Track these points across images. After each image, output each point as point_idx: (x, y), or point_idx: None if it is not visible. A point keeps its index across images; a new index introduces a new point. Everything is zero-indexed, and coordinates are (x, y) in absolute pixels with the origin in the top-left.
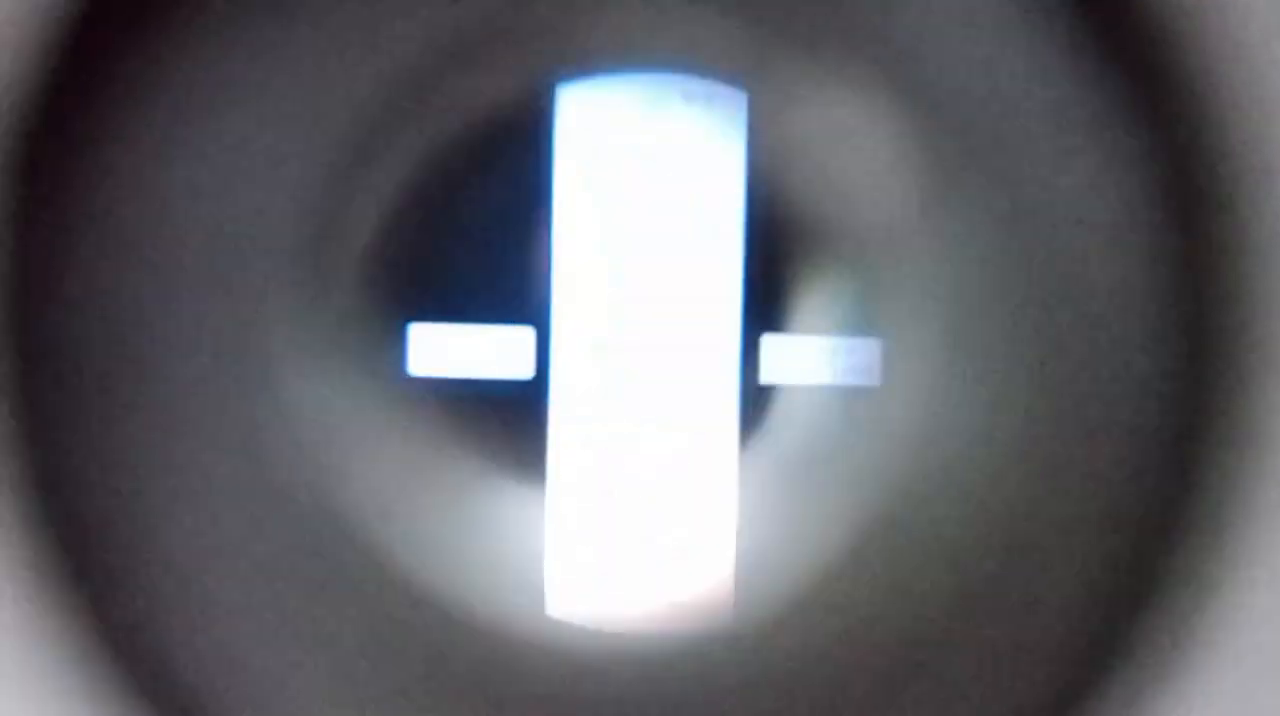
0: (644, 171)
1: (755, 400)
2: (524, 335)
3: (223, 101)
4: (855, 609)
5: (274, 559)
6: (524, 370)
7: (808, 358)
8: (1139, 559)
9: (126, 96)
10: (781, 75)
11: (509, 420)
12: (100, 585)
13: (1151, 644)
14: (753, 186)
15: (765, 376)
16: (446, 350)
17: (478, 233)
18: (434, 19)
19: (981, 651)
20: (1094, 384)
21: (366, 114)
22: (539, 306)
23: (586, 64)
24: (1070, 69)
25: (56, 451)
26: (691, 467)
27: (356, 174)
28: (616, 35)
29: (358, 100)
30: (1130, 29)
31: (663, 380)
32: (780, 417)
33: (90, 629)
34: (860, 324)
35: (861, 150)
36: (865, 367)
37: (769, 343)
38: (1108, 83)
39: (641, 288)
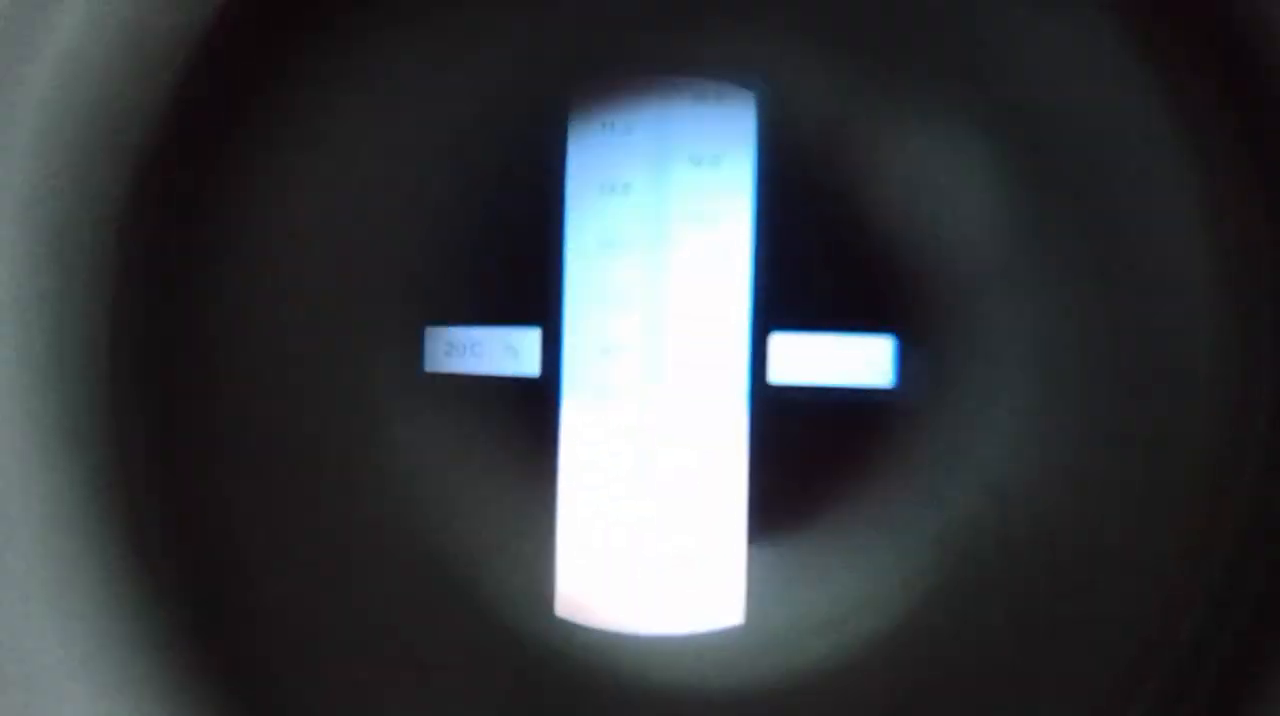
0: (653, 170)
1: (765, 399)
2: (533, 335)
3: (339, 136)
4: (865, 611)
5: (283, 552)
6: (533, 369)
7: (818, 357)
8: (1212, 590)
9: (254, 126)
10: (800, 74)
11: (519, 419)
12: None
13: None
14: (761, 185)
15: (774, 376)
16: (458, 350)
17: (490, 234)
18: (454, 27)
19: (1013, 654)
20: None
21: (389, 122)
22: (548, 306)
23: (598, 68)
24: (1159, 96)
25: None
26: (701, 469)
27: (385, 185)
28: (631, 39)
29: (382, 110)
30: (1227, 59)
31: (671, 380)
32: (790, 417)
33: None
34: (876, 321)
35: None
36: (878, 367)
37: (778, 342)
38: (1203, 115)
39: (650, 287)
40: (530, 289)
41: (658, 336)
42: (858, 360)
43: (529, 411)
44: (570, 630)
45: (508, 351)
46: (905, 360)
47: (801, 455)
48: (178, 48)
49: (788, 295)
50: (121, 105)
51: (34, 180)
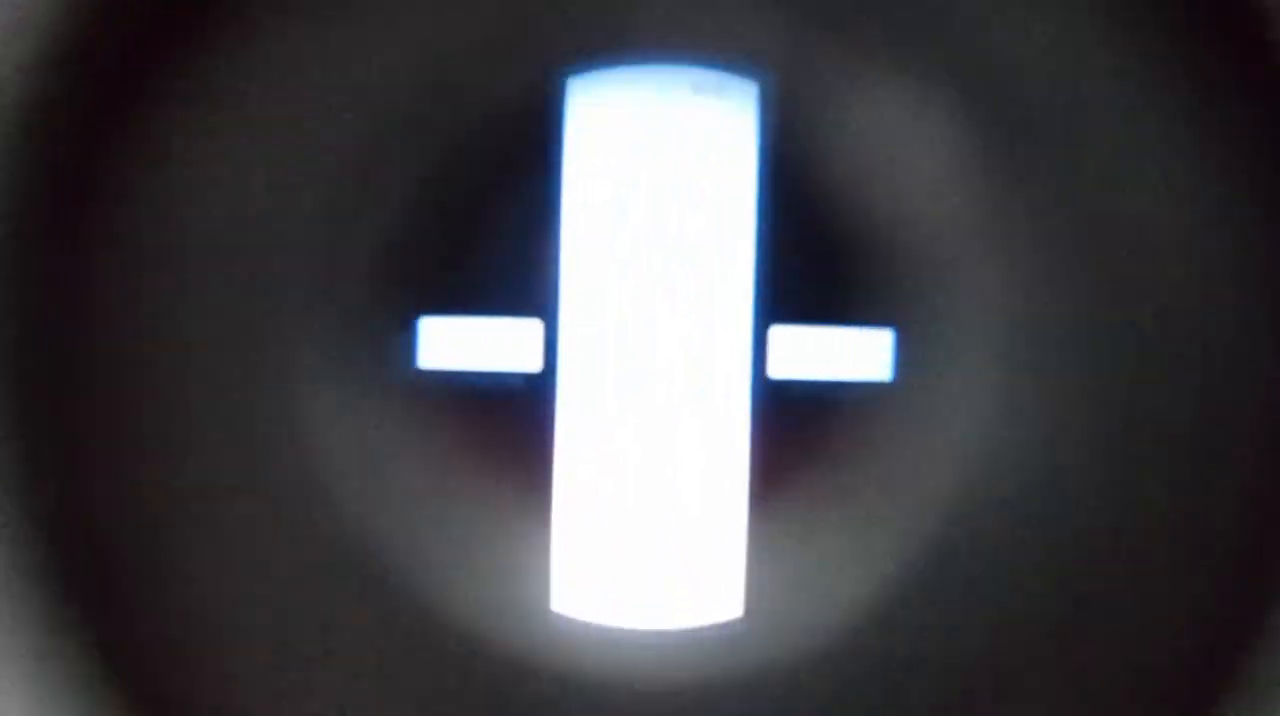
0: (654, 162)
1: (765, 392)
2: (532, 328)
3: (239, 95)
4: (866, 606)
5: (279, 553)
6: (532, 363)
7: (819, 351)
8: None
9: (140, 90)
10: (811, 60)
11: (517, 414)
12: (101, 592)
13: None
14: (764, 177)
15: (775, 370)
16: (456, 343)
17: (487, 225)
18: (448, 10)
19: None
20: (1178, 389)
21: (382, 106)
22: (547, 299)
23: (596, 54)
24: (1146, 49)
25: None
26: (701, 462)
27: (371, 167)
28: (627, 23)
29: (374, 94)
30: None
31: (672, 373)
32: (791, 410)
33: (91, 642)
34: (876, 314)
35: (903, 135)
36: (878, 362)
37: (779, 335)
38: (1188, 62)
39: (651, 280)
40: (528, 281)
41: (657, 329)
42: (858, 353)
43: (526, 405)
44: (567, 625)
45: (506, 346)
46: (906, 353)
47: (802, 448)
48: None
49: (789, 288)
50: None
51: None
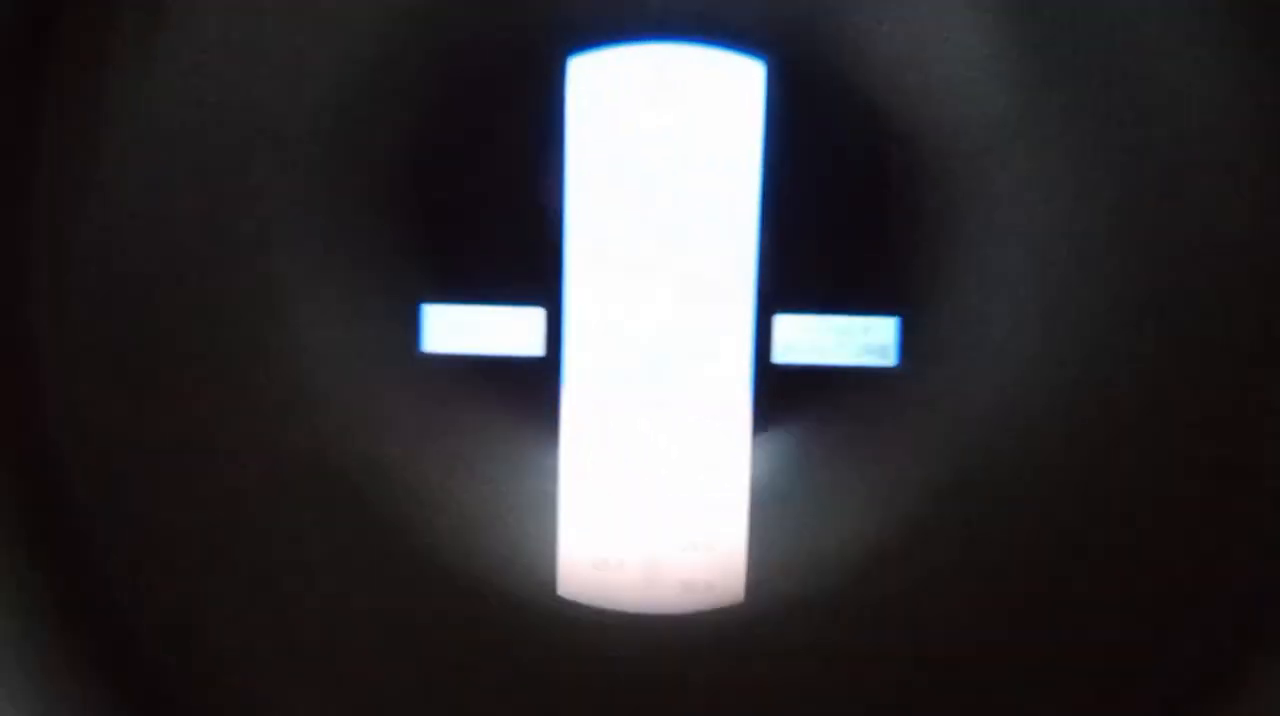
0: (657, 146)
1: (768, 379)
2: (536, 314)
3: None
4: (866, 588)
5: (285, 540)
6: (536, 349)
7: (821, 337)
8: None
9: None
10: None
11: (521, 399)
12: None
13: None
14: (769, 160)
15: (778, 356)
16: (460, 329)
17: (490, 212)
18: None
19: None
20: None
21: (387, 93)
22: (551, 285)
23: (597, 33)
24: None
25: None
26: (703, 448)
27: (372, 157)
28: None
29: (379, 81)
30: None
31: (675, 359)
32: (793, 398)
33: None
34: (880, 302)
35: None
36: (881, 347)
37: (782, 322)
38: None
39: (654, 265)
40: (532, 268)
41: (661, 316)
42: (860, 340)
43: (531, 391)
44: (572, 609)
45: (509, 331)
46: (909, 340)
47: (804, 435)
48: None
49: (793, 275)
50: None
51: None
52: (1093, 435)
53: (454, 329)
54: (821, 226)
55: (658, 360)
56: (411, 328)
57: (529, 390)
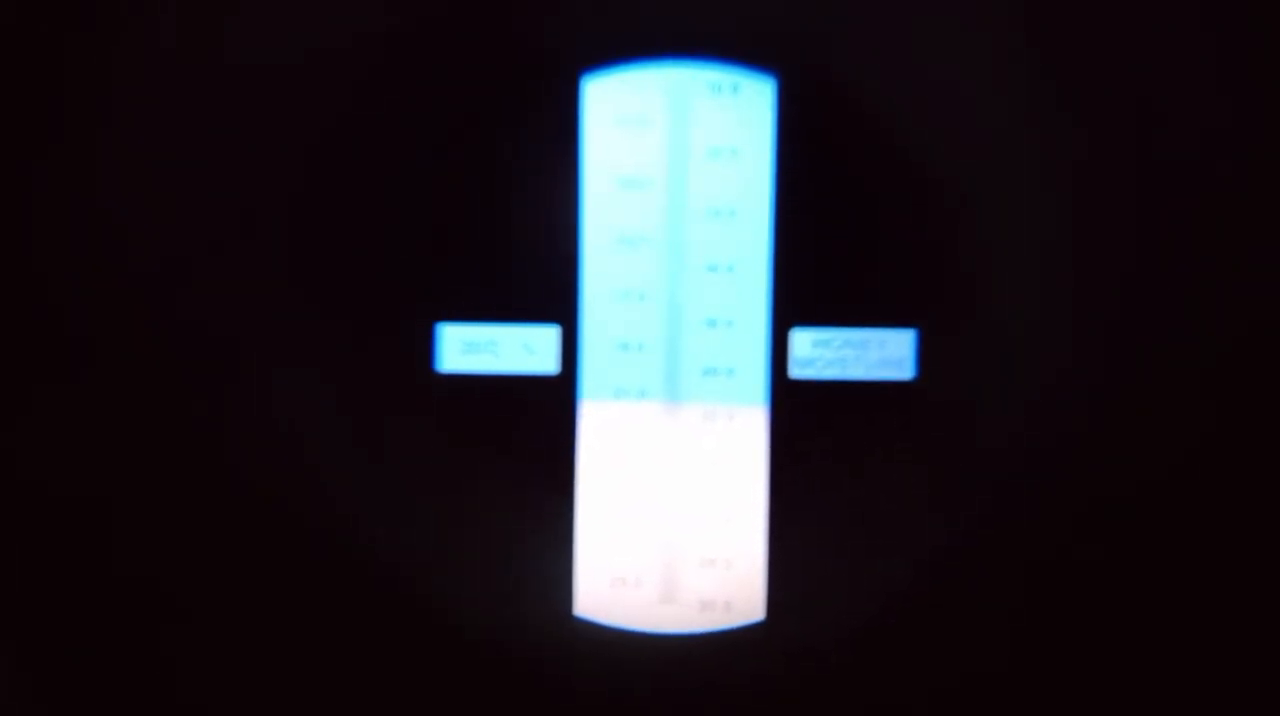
0: (670, 165)
1: (785, 394)
2: (551, 332)
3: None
4: (885, 606)
5: (300, 559)
6: (551, 367)
7: (838, 351)
8: None
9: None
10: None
11: (537, 417)
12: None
13: None
14: (781, 176)
15: (795, 371)
16: (476, 348)
17: (505, 231)
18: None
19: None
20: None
21: (403, 119)
22: (566, 303)
23: (612, 54)
24: None
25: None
26: (721, 464)
27: (387, 182)
28: (647, 20)
29: (397, 105)
30: None
31: (691, 376)
32: (810, 412)
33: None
34: (897, 315)
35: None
36: (899, 361)
37: (798, 337)
38: None
39: (669, 283)
40: (548, 286)
41: (676, 333)
42: (876, 353)
43: (546, 409)
44: (590, 629)
45: (525, 349)
46: (926, 352)
47: (822, 450)
48: None
49: (808, 290)
50: None
51: None
52: (1112, 443)
53: (470, 348)
54: (835, 241)
55: (674, 376)
56: (427, 347)
57: (545, 408)
